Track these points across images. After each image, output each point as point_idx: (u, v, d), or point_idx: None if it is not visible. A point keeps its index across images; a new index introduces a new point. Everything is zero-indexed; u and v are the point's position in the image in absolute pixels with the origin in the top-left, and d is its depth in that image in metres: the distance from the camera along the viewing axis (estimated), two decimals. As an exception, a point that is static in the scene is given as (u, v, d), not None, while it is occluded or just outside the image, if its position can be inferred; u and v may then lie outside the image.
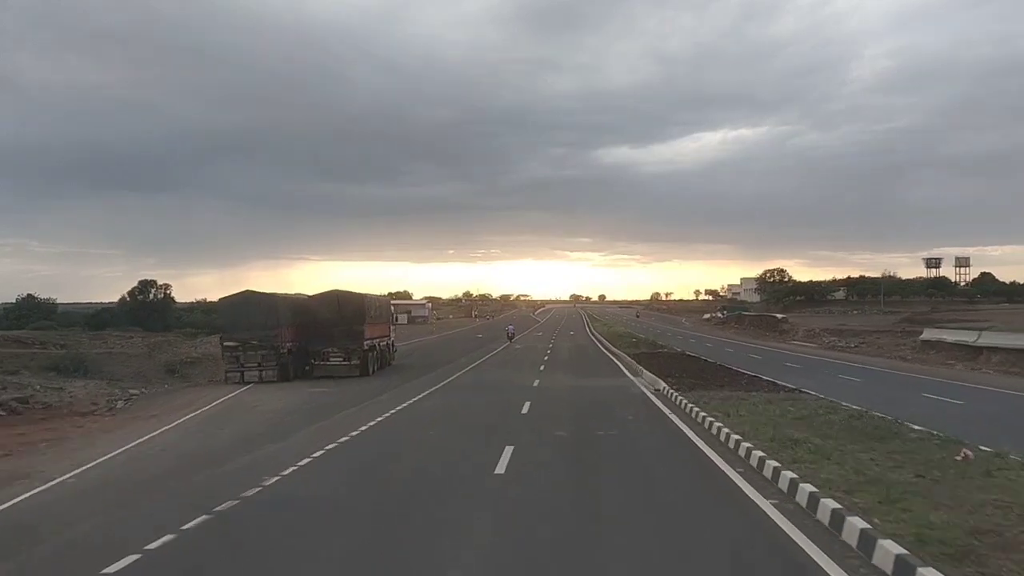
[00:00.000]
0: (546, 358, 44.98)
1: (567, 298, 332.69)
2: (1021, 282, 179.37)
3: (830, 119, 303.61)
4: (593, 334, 75.36)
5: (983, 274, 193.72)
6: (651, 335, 70.98)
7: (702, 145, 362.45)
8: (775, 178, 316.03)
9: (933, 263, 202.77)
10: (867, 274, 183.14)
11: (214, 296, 68.22)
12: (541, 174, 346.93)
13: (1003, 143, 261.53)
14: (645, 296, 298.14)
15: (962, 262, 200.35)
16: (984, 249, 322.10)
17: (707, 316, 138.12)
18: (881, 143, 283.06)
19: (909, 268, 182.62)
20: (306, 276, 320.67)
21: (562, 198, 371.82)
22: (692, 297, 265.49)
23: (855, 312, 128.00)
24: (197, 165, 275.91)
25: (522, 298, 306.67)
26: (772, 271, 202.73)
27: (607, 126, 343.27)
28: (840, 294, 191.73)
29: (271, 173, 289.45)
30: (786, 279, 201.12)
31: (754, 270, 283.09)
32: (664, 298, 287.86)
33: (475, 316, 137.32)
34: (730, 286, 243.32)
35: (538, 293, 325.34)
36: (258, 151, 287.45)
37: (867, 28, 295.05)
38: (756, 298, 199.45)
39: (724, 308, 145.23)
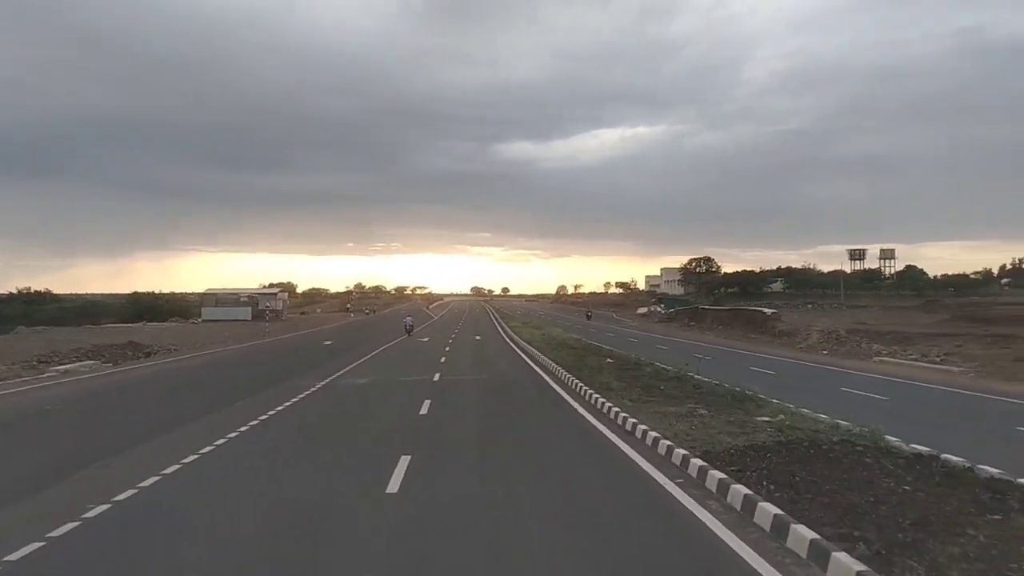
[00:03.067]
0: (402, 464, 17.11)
1: (468, 292, 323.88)
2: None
3: (725, 119, 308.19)
4: (517, 347, 42.59)
5: (908, 267, 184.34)
6: (606, 344, 43.57)
7: (602, 142, 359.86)
8: (672, 176, 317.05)
9: (857, 255, 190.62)
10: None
11: (97, 289, 56.85)
12: (443, 167, 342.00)
13: (887, 145, 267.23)
14: (548, 290, 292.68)
15: (887, 254, 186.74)
16: (869, 247, 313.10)
17: (643, 311, 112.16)
18: (773, 143, 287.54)
19: (798, 263, 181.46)
20: (197, 268, 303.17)
21: (464, 192, 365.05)
22: (603, 290, 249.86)
23: (834, 305, 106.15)
24: (85, 151, 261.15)
25: (419, 291, 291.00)
26: (698, 260, 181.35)
27: (509, 120, 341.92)
28: (777, 286, 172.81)
29: (163, 161, 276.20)
30: (713, 268, 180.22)
31: (651, 266, 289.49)
32: (573, 291, 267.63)
33: (348, 311, 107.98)
34: (649, 277, 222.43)
35: (438, 286, 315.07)
36: (149, 138, 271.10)
37: (762, 30, 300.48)
38: (679, 290, 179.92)
39: (661, 301, 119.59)
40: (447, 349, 38.78)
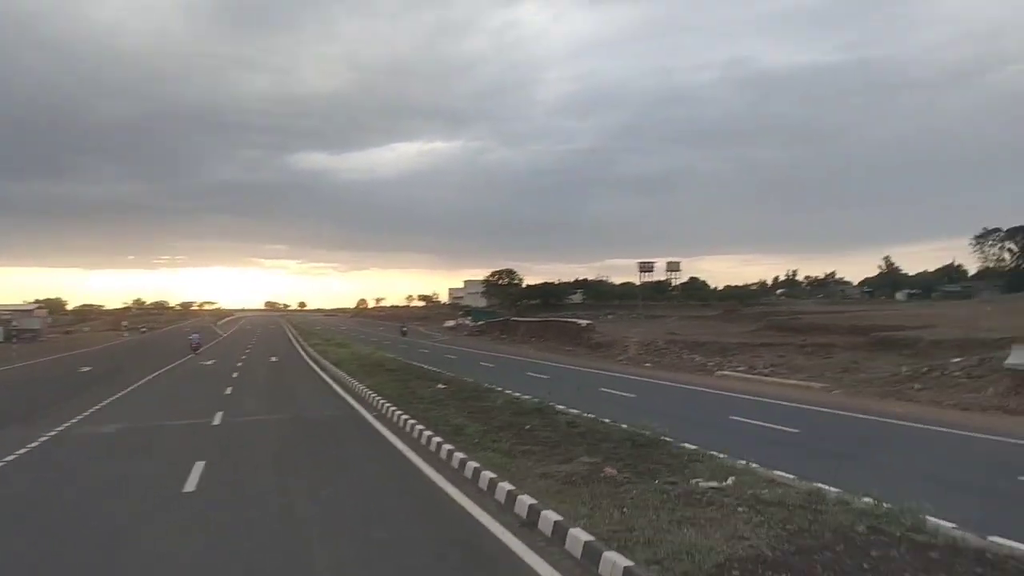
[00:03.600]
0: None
1: (262, 307, 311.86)
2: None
3: (518, 137, 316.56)
4: (323, 371, 35.40)
5: (692, 279, 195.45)
6: (425, 363, 38.42)
7: (399, 155, 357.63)
8: (470, 191, 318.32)
9: (646, 267, 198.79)
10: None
11: None
12: (233, 177, 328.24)
13: (664, 165, 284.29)
14: (347, 304, 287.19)
15: (673, 267, 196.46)
16: (657, 260, 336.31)
17: (451, 324, 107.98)
18: (563, 161, 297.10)
19: (590, 276, 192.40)
20: None
21: (257, 203, 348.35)
22: (405, 303, 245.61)
23: (632, 315, 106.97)
24: None
25: (207, 306, 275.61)
26: (500, 272, 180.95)
27: (304, 131, 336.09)
28: (577, 297, 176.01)
29: None
30: (516, 280, 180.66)
31: (452, 279, 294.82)
32: (375, 305, 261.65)
33: (124, 329, 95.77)
34: (452, 290, 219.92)
35: (229, 302, 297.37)
36: None
37: (551, 54, 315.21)
38: (483, 302, 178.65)
39: (468, 314, 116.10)
40: (235, 375, 32.30)
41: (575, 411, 15.90)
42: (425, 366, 31.98)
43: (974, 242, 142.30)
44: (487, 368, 36.53)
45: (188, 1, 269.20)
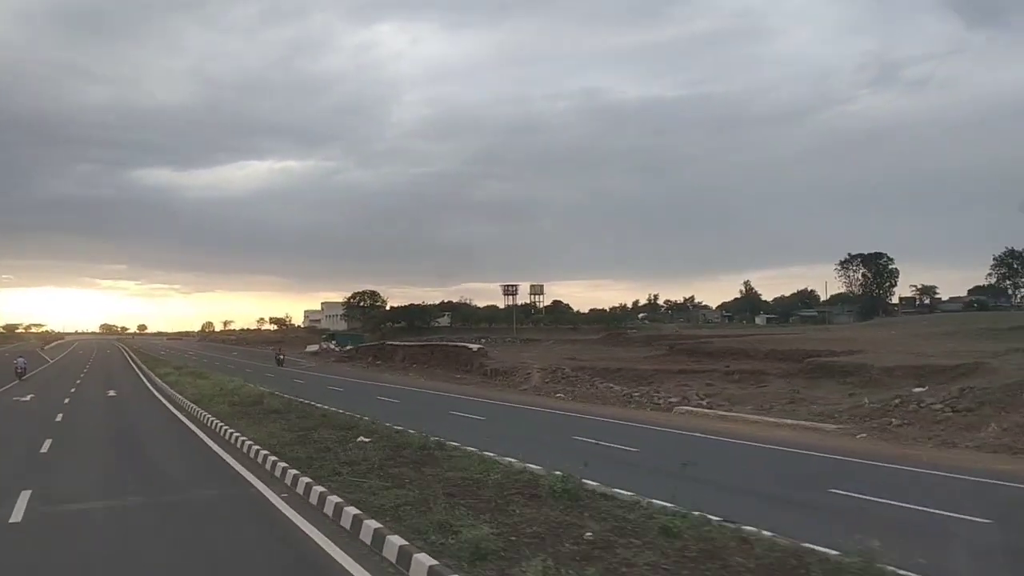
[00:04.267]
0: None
1: (98, 329, 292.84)
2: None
3: (373, 158, 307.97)
4: (183, 413, 25.92)
5: (555, 302, 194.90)
6: (313, 399, 31.20)
7: (248, 174, 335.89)
8: (322, 212, 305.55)
9: (511, 290, 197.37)
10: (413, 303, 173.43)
11: None
12: (66, 192, 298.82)
13: (520, 191, 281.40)
14: (192, 327, 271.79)
15: (536, 290, 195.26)
16: (516, 284, 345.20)
17: (314, 348, 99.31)
18: (419, 185, 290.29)
19: (446, 299, 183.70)
20: None
21: (93, 220, 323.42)
22: (255, 326, 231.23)
23: (507, 339, 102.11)
24: None
25: (34, 329, 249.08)
26: (361, 294, 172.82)
27: (147, 146, 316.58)
28: (445, 320, 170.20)
29: None
30: (378, 303, 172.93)
31: (303, 302, 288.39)
32: (223, 328, 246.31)
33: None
34: (308, 312, 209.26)
35: (61, 324, 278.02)
36: None
37: (407, 76, 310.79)
38: (343, 324, 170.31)
39: (333, 337, 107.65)
40: (59, 418, 24.23)
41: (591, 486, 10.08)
42: (316, 403, 25.10)
43: (839, 267, 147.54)
44: (391, 404, 30.13)
45: (19, 5, 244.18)
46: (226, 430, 18.25)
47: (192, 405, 25.99)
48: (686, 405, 29.24)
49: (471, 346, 57.82)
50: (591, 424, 24.83)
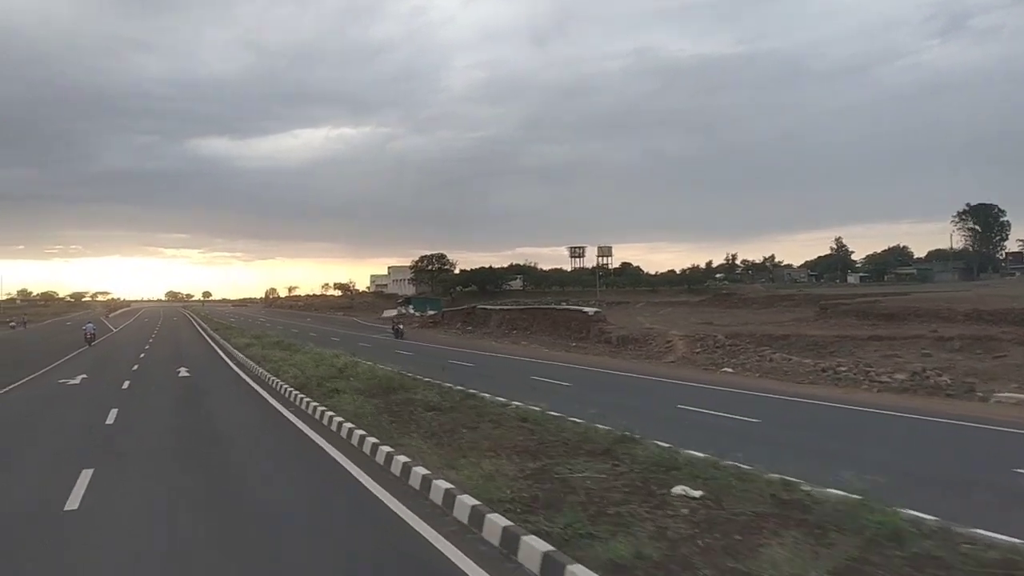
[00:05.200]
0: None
1: (163, 297, 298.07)
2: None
3: (427, 124, 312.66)
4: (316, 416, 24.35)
5: (624, 264, 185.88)
6: (455, 380, 23.00)
7: (304, 142, 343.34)
8: (377, 178, 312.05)
9: (577, 252, 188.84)
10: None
11: None
12: (129, 163, 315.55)
13: (572, 154, 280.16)
14: (253, 294, 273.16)
15: (604, 251, 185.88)
16: (557, 249, 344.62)
17: (392, 313, 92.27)
18: (472, 149, 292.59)
19: (492, 262, 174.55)
20: None
21: (155, 190, 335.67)
22: (320, 292, 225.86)
23: (592, 303, 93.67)
24: None
25: (100, 297, 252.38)
26: (429, 257, 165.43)
27: (204, 116, 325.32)
28: (517, 283, 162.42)
29: None
30: (446, 266, 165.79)
31: (362, 267, 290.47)
32: (288, 294, 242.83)
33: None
34: (375, 277, 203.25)
35: (128, 292, 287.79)
36: None
37: (459, 40, 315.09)
38: (411, 289, 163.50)
39: (409, 302, 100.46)
40: (109, 421, 16.44)
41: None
42: (472, 390, 17.02)
43: (957, 219, 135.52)
44: (564, 389, 22.08)
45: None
46: (387, 453, 10.29)
47: (297, 394, 18.26)
48: (1002, 393, 20.33)
49: (586, 310, 49.56)
50: (861, 419, 16.65)
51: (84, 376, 26.79)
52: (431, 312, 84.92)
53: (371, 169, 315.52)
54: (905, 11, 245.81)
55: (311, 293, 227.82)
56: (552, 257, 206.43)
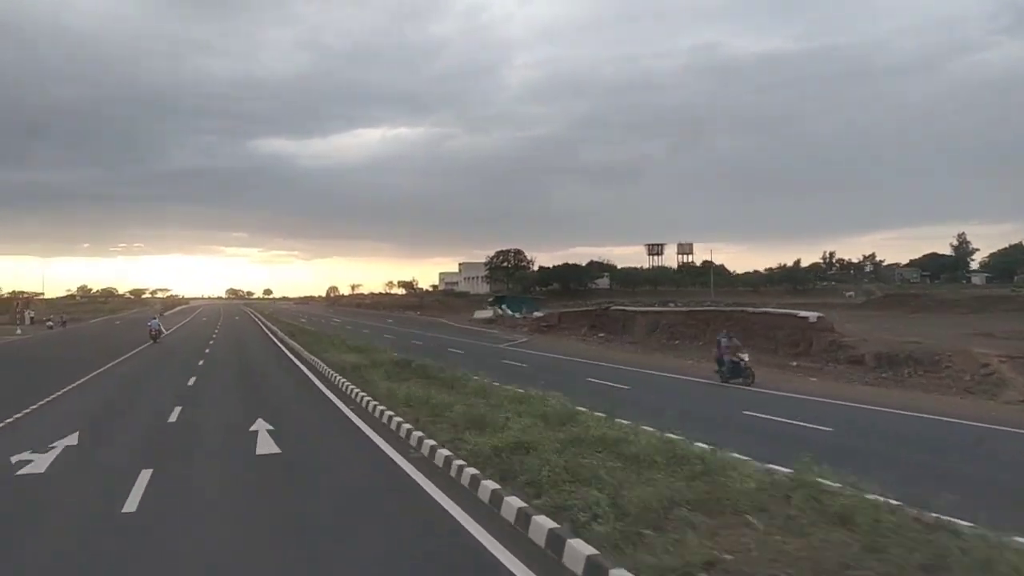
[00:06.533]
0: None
1: (224, 294, 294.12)
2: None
3: (483, 123, 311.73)
4: None
5: (705, 262, 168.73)
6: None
7: (362, 142, 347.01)
8: (434, 178, 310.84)
9: (656, 250, 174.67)
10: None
11: None
12: (191, 163, 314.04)
13: (629, 153, 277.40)
14: (311, 291, 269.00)
15: (685, 249, 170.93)
16: (612, 250, 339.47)
17: (486, 314, 78.99)
18: (528, 148, 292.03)
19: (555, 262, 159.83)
20: None
21: (216, 190, 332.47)
22: (383, 290, 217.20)
23: (707, 302, 78.92)
24: None
25: (159, 294, 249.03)
26: (505, 253, 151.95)
27: (264, 116, 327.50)
28: (603, 282, 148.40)
29: None
30: (524, 262, 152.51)
31: (417, 267, 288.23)
32: (352, 292, 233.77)
33: (17, 323, 65.43)
34: (444, 274, 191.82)
35: (190, 289, 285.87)
36: None
37: (516, 39, 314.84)
38: (485, 287, 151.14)
39: (500, 301, 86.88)
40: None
41: None
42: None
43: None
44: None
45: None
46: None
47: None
48: None
49: (805, 315, 35.23)
50: None
51: (79, 435, 13.49)
52: (531, 313, 71.52)
53: (427, 168, 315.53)
54: (970, 5, 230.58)
55: (373, 291, 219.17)
56: (613, 256, 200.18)
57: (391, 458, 11.08)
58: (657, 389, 23.59)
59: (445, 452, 10.39)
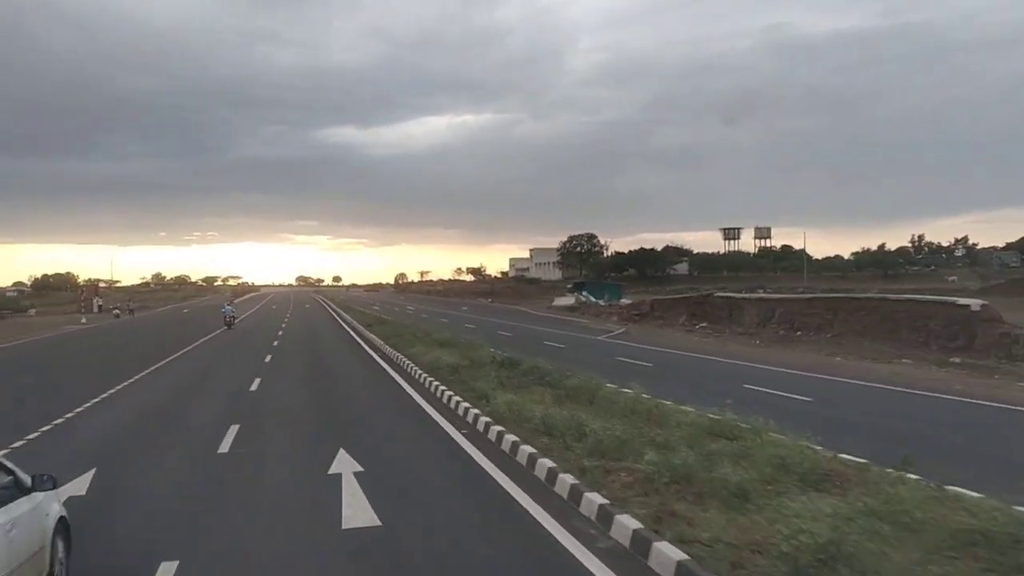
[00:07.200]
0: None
1: (294, 281, 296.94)
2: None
3: (548, 109, 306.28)
4: None
5: (784, 247, 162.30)
6: None
7: (428, 129, 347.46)
8: (499, 164, 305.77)
9: (732, 234, 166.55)
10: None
11: None
12: (261, 152, 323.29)
13: (698, 136, 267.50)
14: (379, 279, 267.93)
15: (763, 233, 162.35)
16: (681, 235, 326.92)
17: (567, 301, 74.38)
18: (594, 133, 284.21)
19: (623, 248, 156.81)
20: None
21: (286, 179, 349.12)
22: (452, 276, 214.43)
23: (800, 289, 72.28)
24: None
25: (230, 281, 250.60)
26: (578, 238, 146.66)
27: (332, 105, 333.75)
28: (682, 267, 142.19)
29: None
30: (597, 247, 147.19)
31: (483, 254, 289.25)
32: (421, 279, 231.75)
33: (82, 312, 63.37)
34: (514, 260, 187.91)
35: (260, 277, 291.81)
36: None
37: (581, 22, 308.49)
38: (557, 272, 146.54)
39: (581, 287, 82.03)
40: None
41: None
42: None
43: None
44: None
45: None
46: None
47: None
48: None
49: (968, 303, 29.72)
50: None
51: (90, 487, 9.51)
52: (615, 300, 66.82)
53: (492, 155, 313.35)
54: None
55: (441, 278, 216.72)
56: (684, 241, 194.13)
57: (565, 548, 6.58)
58: (886, 409, 17.93)
59: (670, 550, 5.83)
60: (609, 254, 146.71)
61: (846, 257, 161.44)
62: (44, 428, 13.40)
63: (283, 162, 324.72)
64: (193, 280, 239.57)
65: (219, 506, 8.45)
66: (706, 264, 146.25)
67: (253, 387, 19.04)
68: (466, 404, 13.64)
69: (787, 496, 6.67)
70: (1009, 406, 16.66)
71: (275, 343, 34.47)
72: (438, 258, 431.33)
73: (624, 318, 54.39)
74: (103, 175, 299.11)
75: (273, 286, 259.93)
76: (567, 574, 6.06)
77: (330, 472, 9.57)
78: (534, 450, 9.55)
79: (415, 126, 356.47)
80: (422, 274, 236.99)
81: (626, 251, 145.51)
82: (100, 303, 76.38)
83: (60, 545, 5.81)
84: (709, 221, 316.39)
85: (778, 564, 5.26)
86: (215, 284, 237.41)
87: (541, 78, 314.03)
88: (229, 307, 51.96)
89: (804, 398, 17.50)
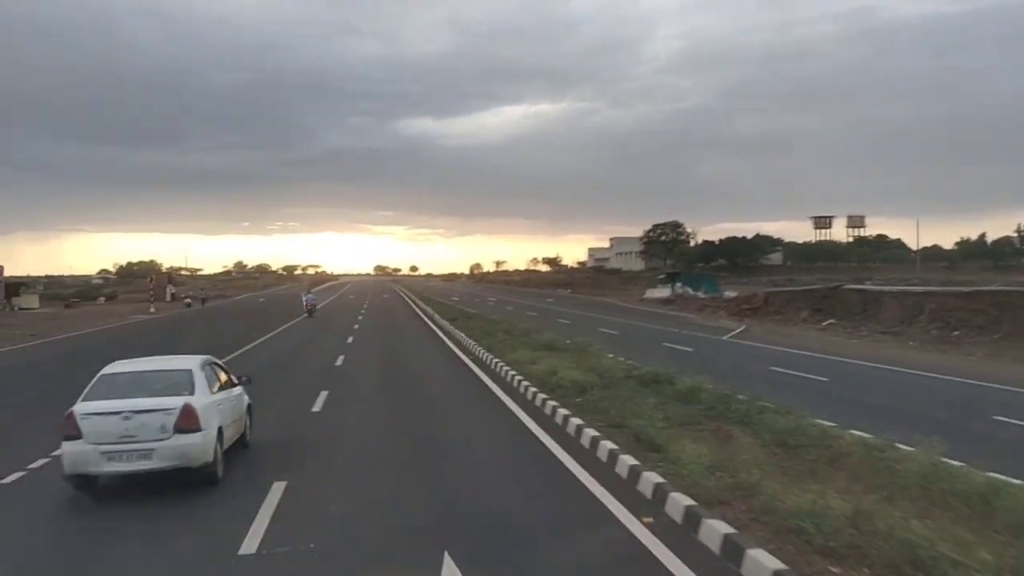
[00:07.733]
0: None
1: (371, 271, 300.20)
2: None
3: (626, 97, 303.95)
4: None
5: (879, 236, 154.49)
6: None
7: (504, 119, 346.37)
8: (576, 154, 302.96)
9: (824, 223, 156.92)
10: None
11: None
12: (340, 144, 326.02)
13: (779, 124, 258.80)
14: (454, 268, 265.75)
15: (856, 222, 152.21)
16: (763, 225, 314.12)
17: (663, 294, 68.77)
18: (674, 121, 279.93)
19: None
20: (79, 248, 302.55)
21: (363, 169, 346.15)
22: (528, 267, 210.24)
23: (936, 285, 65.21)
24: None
25: (310, 270, 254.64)
26: (664, 227, 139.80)
27: (409, 96, 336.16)
28: (776, 257, 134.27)
29: (38, 137, 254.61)
30: (683, 236, 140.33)
31: (557, 244, 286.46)
32: (496, 269, 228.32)
33: (150, 302, 60.61)
34: (593, 250, 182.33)
35: (339, 266, 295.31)
36: (23, 114, 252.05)
37: (660, 9, 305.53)
38: (639, 262, 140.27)
39: (676, 278, 76.15)
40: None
41: None
42: None
43: None
44: None
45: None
46: None
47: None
48: None
49: None
50: None
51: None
52: (715, 293, 61.23)
53: (568, 144, 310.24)
54: None
55: (517, 268, 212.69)
56: (770, 230, 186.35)
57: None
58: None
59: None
60: (696, 243, 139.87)
61: (946, 248, 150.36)
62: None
63: (362, 153, 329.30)
64: (273, 269, 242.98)
65: (314, 449, 10.85)
66: (801, 254, 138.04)
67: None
68: (630, 459, 8.57)
69: None
70: None
71: (361, 314, 30.51)
72: (512, 248, 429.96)
73: (733, 312, 48.75)
74: (192, 166, 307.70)
75: (351, 275, 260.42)
76: None
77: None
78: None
79: (491, 116, 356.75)
80: (497, 264, 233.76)
81: (715, 240, 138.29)
82: (173, 291, 74.44)
83: (247, 420, 10.92)
84: (793, 210, 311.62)
85: None
86: (295, 273, 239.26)
87: (618, 66, 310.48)
88: (311, 295, 52.49)
89: None
